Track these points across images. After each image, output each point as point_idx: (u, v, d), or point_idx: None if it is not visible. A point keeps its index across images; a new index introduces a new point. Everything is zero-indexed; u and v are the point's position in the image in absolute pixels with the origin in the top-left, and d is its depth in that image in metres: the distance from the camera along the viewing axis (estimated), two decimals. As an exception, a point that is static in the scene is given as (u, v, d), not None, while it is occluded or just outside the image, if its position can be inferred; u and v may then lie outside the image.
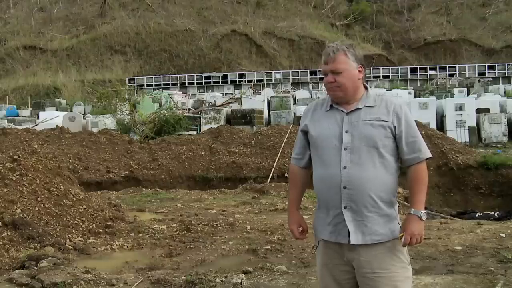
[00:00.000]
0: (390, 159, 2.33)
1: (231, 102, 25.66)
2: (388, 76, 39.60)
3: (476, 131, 18.56)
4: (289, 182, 2.69)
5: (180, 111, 20.73)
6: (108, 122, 19.53)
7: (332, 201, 2.33)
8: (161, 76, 42.18)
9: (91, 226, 6.04)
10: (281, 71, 41.44)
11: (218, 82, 40.60)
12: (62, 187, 6.44)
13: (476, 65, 40.43)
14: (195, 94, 34.12)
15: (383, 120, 2.33)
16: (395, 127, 2.33)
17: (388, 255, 2.31)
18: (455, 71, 39.33)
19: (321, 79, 39.30)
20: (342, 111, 2.38)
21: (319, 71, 40.37)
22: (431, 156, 2.45)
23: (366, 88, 2.43)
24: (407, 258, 2.39)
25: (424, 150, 2.38)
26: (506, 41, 46.23)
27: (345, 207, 2.29)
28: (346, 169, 2.28)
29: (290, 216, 2.59)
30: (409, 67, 41.83)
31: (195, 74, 42.07)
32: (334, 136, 2.34)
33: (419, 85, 37.12)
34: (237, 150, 13.20)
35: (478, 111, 19.53)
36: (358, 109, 2.36)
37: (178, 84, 40.22)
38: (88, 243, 5.61)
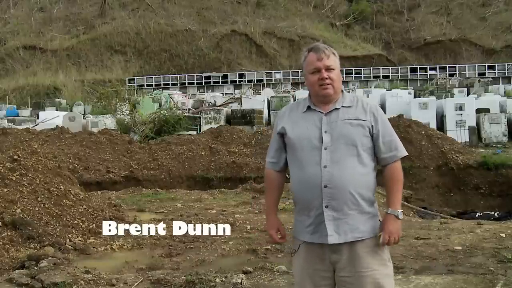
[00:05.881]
0: (368, 157, 2.36)
1: (231, 102, 25.68)
2: (388, 76, 39.63)
3: (476, 131, 18.56)
4: (266, 186, 2.65)
5: (180, 111, 20.75)
6: (108, 122, 19.57)
7: (312, 201, 2.31)
8: (161, 76, 42.22)
9: (91, 226, 6.03)
10: (281, 71, 41.46)
11: (218, 82, 40.63)
12: (62, 187, 6.44)
13: (476, 65, 40.45)
14: (195, 94, 34.13)
15: (362, 119, 2.36)
16: (372, 126, 2.36)
17: (370, 254, 2.32)
18: (455, 71, 39.36)
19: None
20: (320, 112, 2.39)
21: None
22: (407, 154, 2.48)
23: (341, 90, 2.46)
24: (388, 255, 2.41)
25: (400, 149, 2.42)
26: (506, 41, 46.22)
27: (326, 206, 2.29)
28: (326, 168, 2.28)
29: (268, 221, 2.57)
30: (409, 67, 41.84)
31: (195, 74, 42.10)
32: (314, 137, 2.34)
33: (419, 85, 37.14)
34: (237, 150, 13.21)
35: (478, 111, 19.55)
36: (336, 109, 2.38)
37: (178, 84, 40.26)
38: (88, 243, 5.60)
